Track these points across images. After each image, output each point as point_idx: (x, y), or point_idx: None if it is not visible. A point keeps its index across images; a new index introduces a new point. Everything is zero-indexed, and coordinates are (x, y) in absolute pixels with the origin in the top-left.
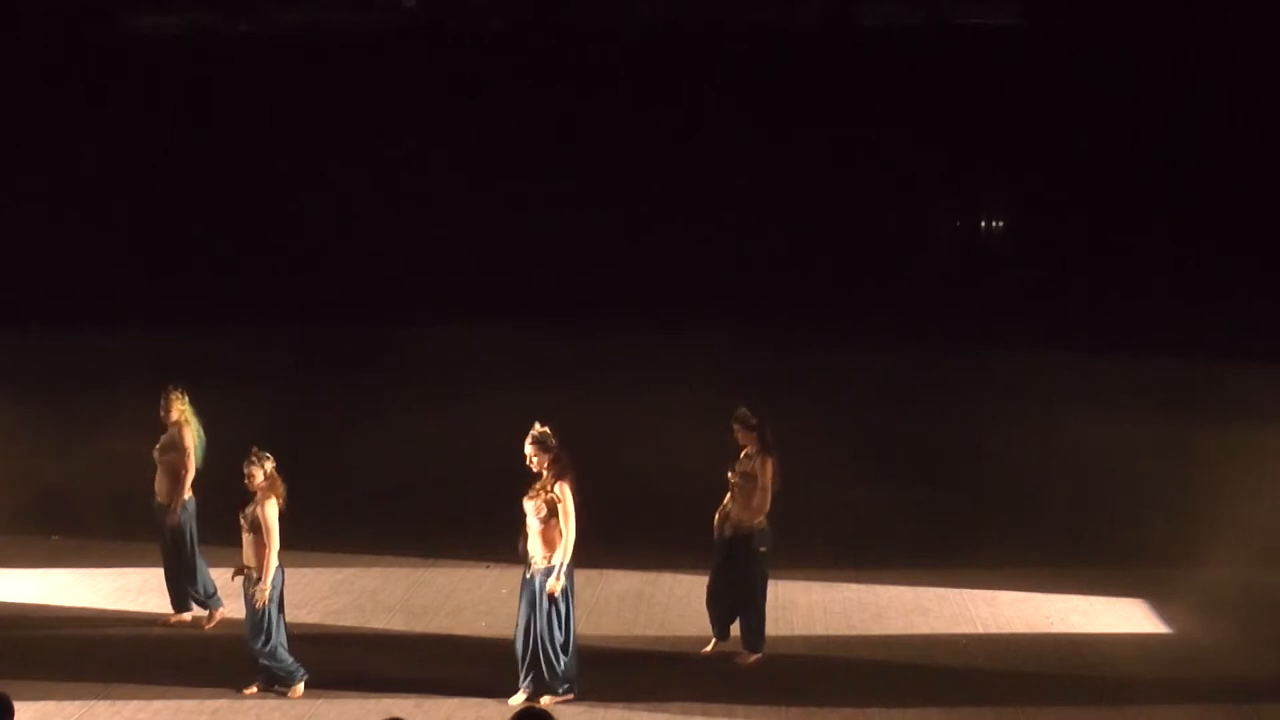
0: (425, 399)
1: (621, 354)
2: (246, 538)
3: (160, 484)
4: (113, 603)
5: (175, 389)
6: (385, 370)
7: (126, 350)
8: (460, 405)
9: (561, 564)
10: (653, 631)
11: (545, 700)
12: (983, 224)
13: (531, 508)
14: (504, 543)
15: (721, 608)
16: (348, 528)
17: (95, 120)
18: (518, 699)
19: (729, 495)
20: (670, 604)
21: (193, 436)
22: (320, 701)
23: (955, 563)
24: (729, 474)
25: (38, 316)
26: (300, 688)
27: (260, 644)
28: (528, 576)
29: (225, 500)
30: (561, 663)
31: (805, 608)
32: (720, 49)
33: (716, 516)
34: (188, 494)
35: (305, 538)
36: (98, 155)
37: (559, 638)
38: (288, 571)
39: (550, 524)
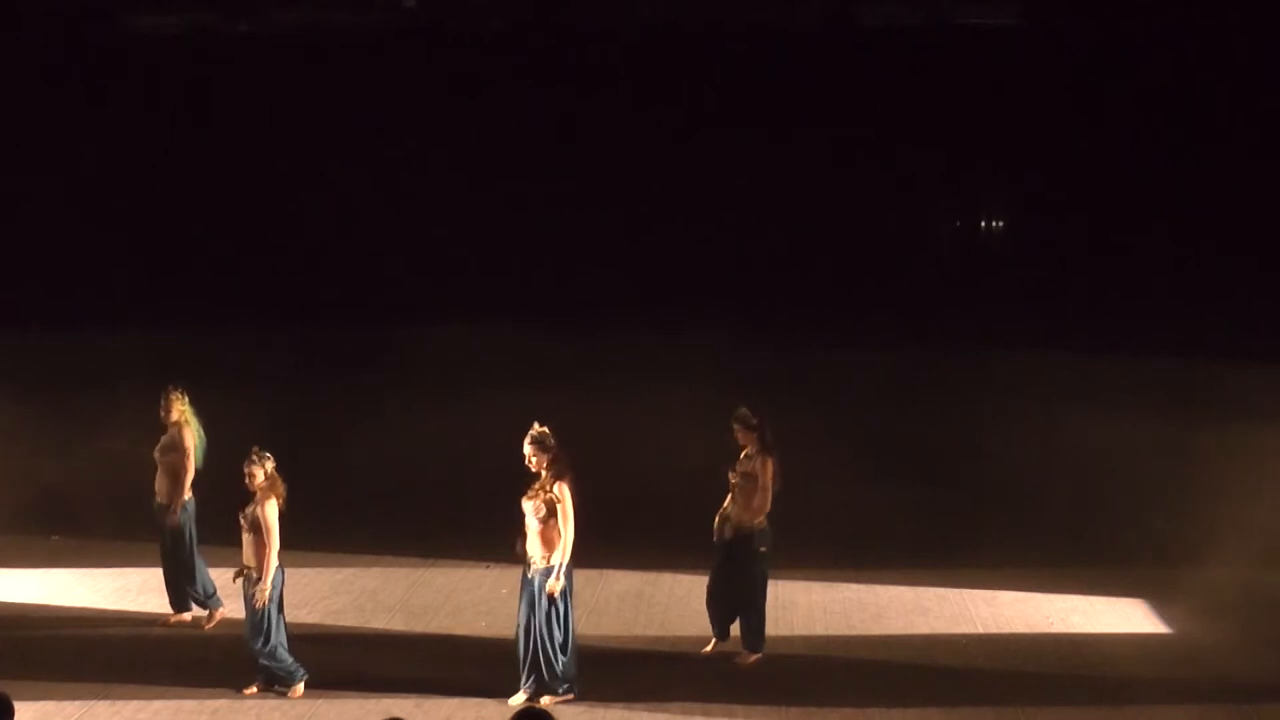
0: (425, 399)
1: (621, 354)
2: (246, 538)
3: (160, 484)
4: (113, 603)
5: (175, 389)
6: (385, 370)
7: (126, 350)
8: (460, 405)
9: (561, 564)
10: (653, 631)
11: (545, 700)
12: (983, 224)
13: (530, 508)
14: (504, 543)
15: (721, 608)
16: (348, 528)
17: (95, 120)
18: (518, 699)
19: (729, 496)
20: (670, 604)
21: (193, 437)
22: (320, 701)
23: (955, 563)
24: (729, 474)
25: (38, 316)
26: (300, 688)
27: (260, 644)
28: (528, 577)
29: (225, 500)
30: (561, 663)
31: (805, 608)
32: (720, 49)
33: (717, 518)
34: (187, 494)
35: (305, 538)
36: (98, 155)
37: (558, 638)
38: (288, 571)
39: (549, 524)
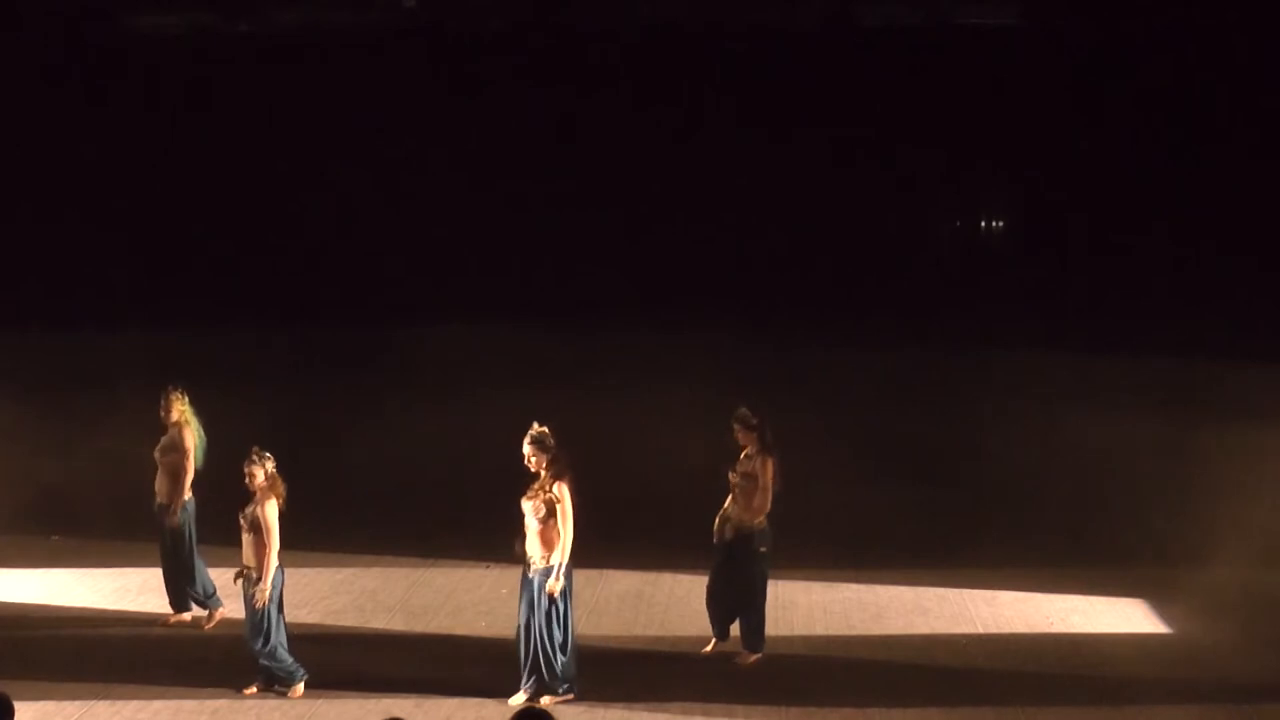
0: (425, 399)
1: (621, 354)
2: (246, 538)
3: (161, 485)
4: (113, 603)
5: (175, 389)
6: (385, 370)
7: (126, 350)
8: (460, 405)
9: (560, 564)
10: (653, 631)
11: (545, 700)
12: (983, 224)
13: (530, 508)
14: (504, 543)
15: (721, 608)
16: (348, 528)
17: (95, 120)
18: (518, 699)
19: (730, 497)
20: (670, 604)
21: (193, 437)
22: (320, 701)
23: (955, 563)
24: (729, 475)
25: (38, 316)
26: (300, 688)
27: (260, 644)
28: (527, 577)
29: (225, 500)
30: (560, 663)
31: (805, 608)
32: (720, 49)
33: (717, 520)
34: (187, 494)
35: (305, 538)
36: (98, 155)
37: (558, 637)
38: (288, 571)
39: (549, 524)
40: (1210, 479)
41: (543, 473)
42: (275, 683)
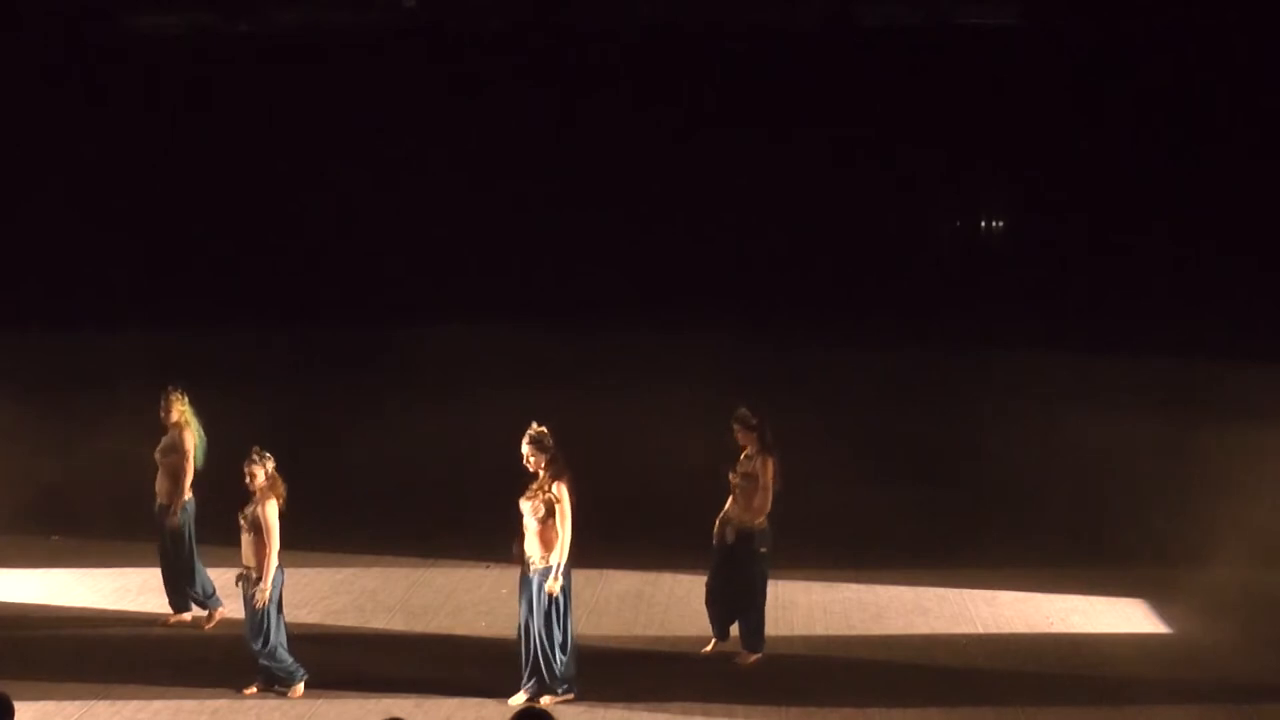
0: (425, 399)
1: (621, 354)
2: (246, 538)
3: (161, 485)
4: (113, 603)
5: (175, 390)
6: (385, 370)
7: (126, 350)
8: (460, 405)
9: (559, 564)
10: (653, 631)
11: (545, 700)
12: (983, 224)
13: (529, 508)
14: (504, 543)
15: (721, 608)
16: (348, 528)
17: (95, 120)
18: (518, 699)
19: (730, 499)
20: (670, 604)
21: (193, 438)
22: (320, 701)
23: (955, 563)
24: (730, 475)
25: (38, 316)
26: (300, 688)
27: (260, 644)
28: (527, 577)
29: (225, 500)
30: (560, 663)
31: (805, 608)
32: (720, 49)
33: (717, 522)
34: (187, 495)
35: (305, 538)
36: (98, 155)
37: (558, 637)
38: (288, 571)
39: (548, 524)
40: (1210, 479)
41: (541, 473)
42: (275, 683)
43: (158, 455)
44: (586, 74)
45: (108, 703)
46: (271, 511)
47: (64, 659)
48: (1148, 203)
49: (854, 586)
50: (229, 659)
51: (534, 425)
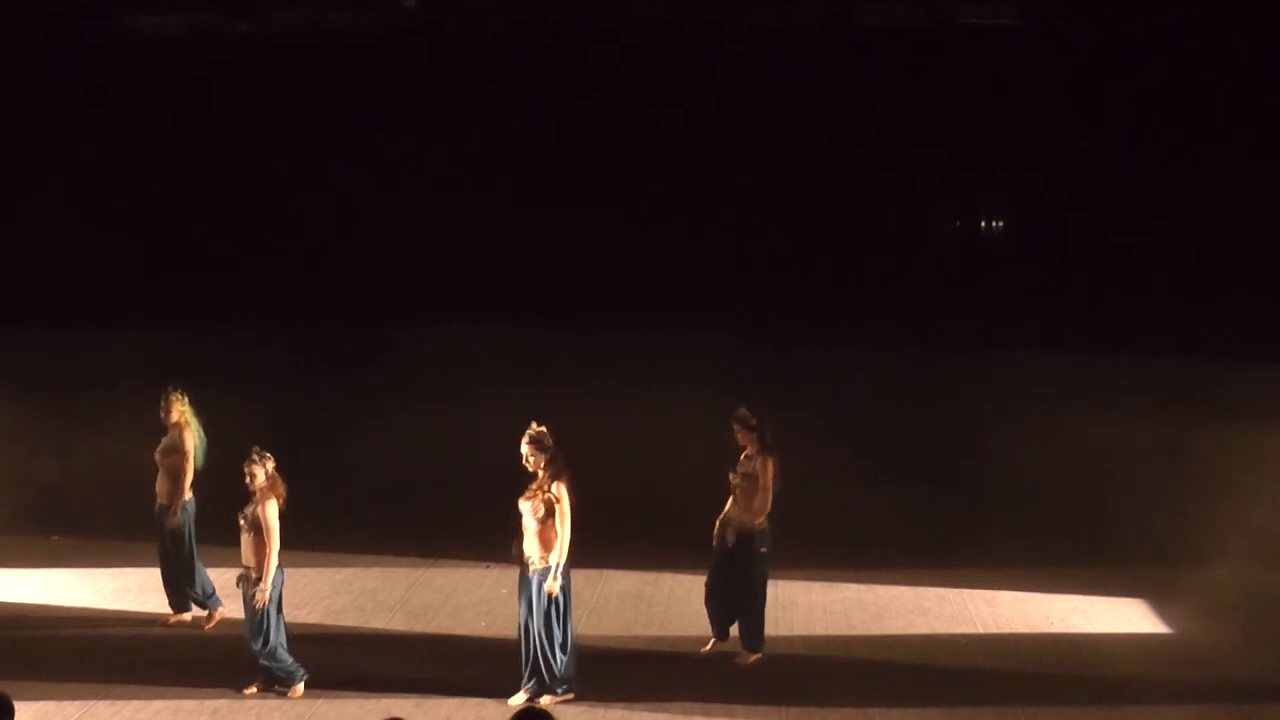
0: (425, 399)
1: (621, 354)
2: (245, 538)
3: (162, 486)
4: (113, 603)
5: (175, 390)
6: (385, 370)
7: (126, 350)
8: (460, 405)
9: (558, 564)
10: (653, 631)
11: (545, 700)
12: (983, 224)
13: (528, 508)
14: (504, 543)
15: (720, 608)
16: (348, 528)
17: (95, 120)
18: (518, 699)
19: (730, 500)
20: (670, 604)
21: (193, 438)
22: (320, 701)
23: (955, 563)
24: (730, 476)
25: (38, 316)
26: (300, 688)
27: (260, 644)
28: (526, 577)
29: (225, 500)
30: (560, 663)
31: (805, 608)
32: (720, 49)
33: (718, 523)
34: (187, 495)
35: (305, 538)
36: (98, 155)
37: (558, 637)
38: (287, 571)
39: (547, 524)
40: (1210, 479)
41: (541, 473)
42: (275, 683)
43: (158, 456)
44: (586, 74)
45: (108, 703)
46: (272, 511)
47: (64, 659)
48: (1148, 203)
49: (854, 586)
50: (229, 659)
51: (533, 425)
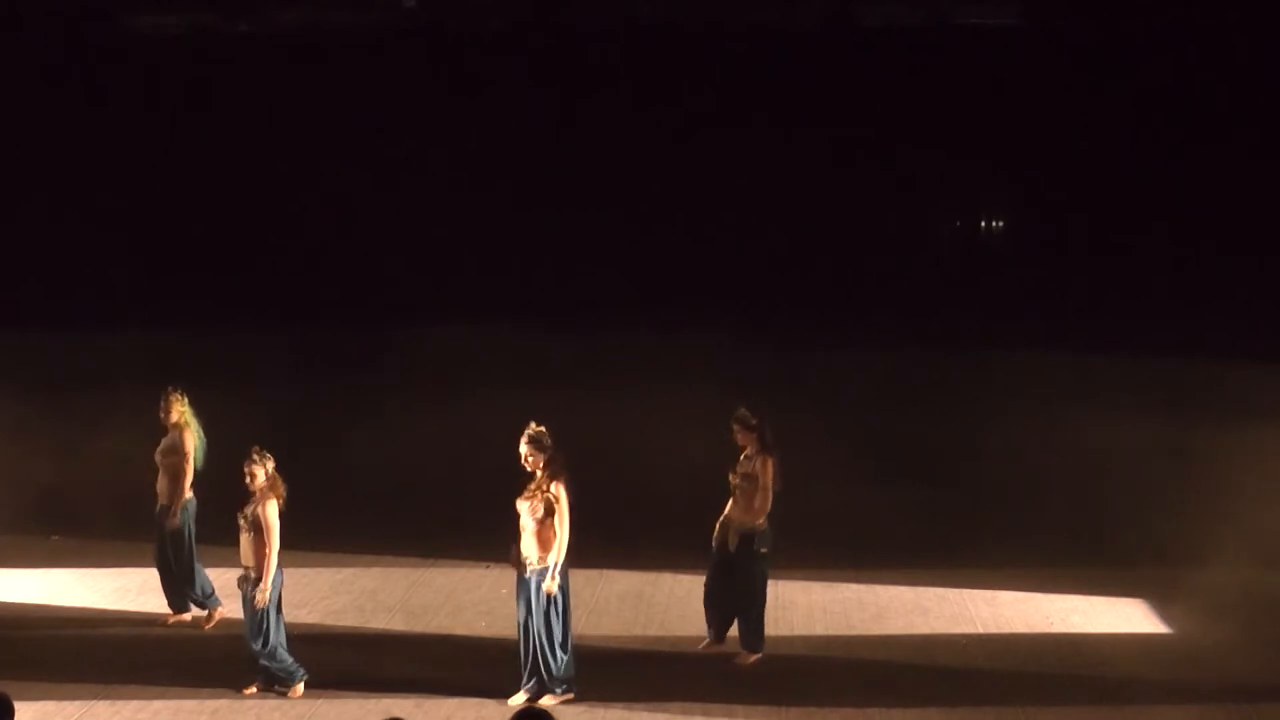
0: (425, 399)
1: (621, 354)
2: (245, 537)
3: (162, 487)
4: (113, 603)
5: (175, 391)
6: (385, 370)
7: (126, 350)
8: (460, 405)
9: (556, 564)
10: (653, 631)
11: (545, 700)
12: (983, 224)
13: (526, 508)
14: (504, 543)
15: (719, 608)
16: (348, 528)
17: (95, 120)
18: (518, 699)
19: (731, 501)
20: (670, 604)
21: (193, 439)
22: (320, 701)
23: (955, 563)
24: (730, 476)
25: (38, 316)
26: (300, 688)
27: (259, 644)
28: (524, 578)
29: (225, 500)
30: (559, 663)
31: (805, 608)
32: (720, 49)
33: (718, 526)
34: (188, 495)
35: (305, 538)
36: (98, 155)
37: (557, 637)
38: (287, 571)
39: (546, 524)
40: (1210, 479)
41: (539, 473)
42: (275, 683)
43: (158, 457)
44: (586, 74)
45: (108, 703)
46: (272, 511)
47: (64, 659)
48: (1148, 203)
49: (854, 586)
50: (229, 659)
51: (532, 425)
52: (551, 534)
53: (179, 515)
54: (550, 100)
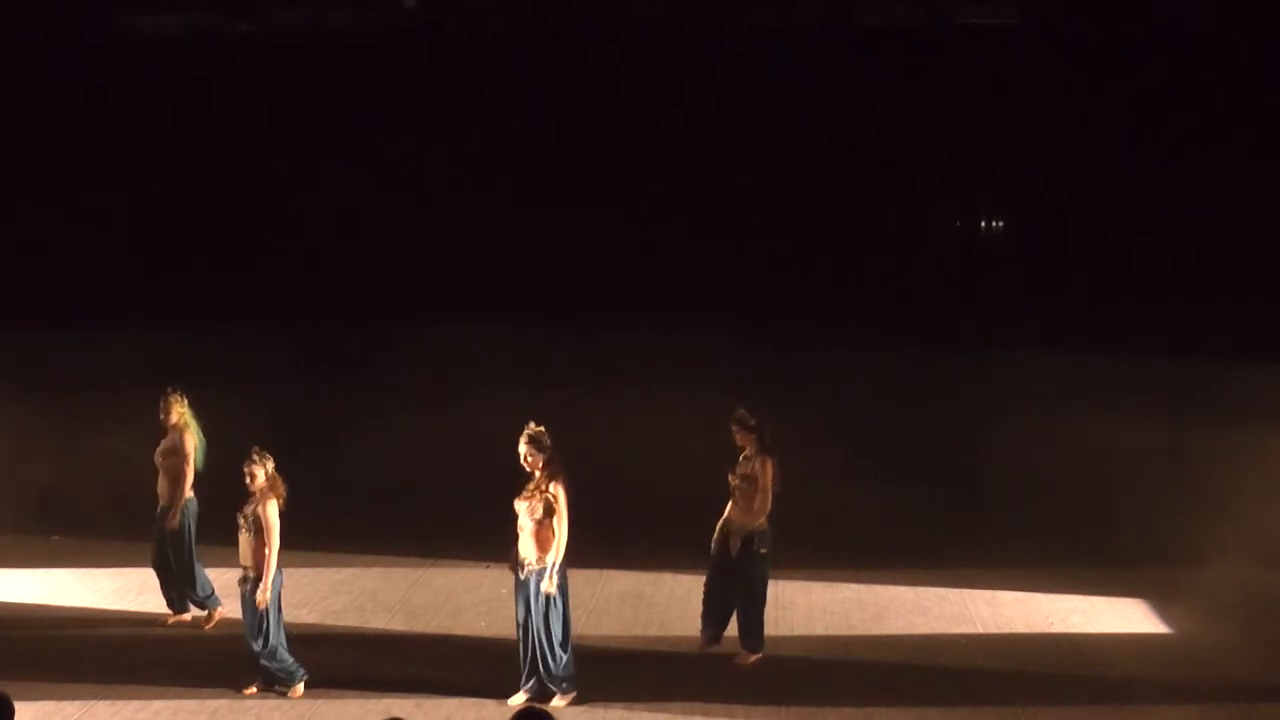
0: (425, 399)
1: (622, 354)
2: (245, 538)
3: (162, 487)
4: (113, 603)
5: (174, 391)
6: (385, 370)
7: (126, 350)
8: (460, 405)
9: (554, 564)
10: (653, 631)
11: (555, 701)
12: (983, 224)
13: (525, 508)
14: (503, 543)
15: (718, 609)
16: (348, 528)
17: (95, 120)
18: (518, 699)
19: (730, 502)
20: (670, 604)
21: (193, 440)
22: (320, 701)
23: (955, 563)
24: (730, 477)
25: (38, 316)
26: (300, 688)
27: (259, 644)
28: (522, 578)
29: (225, 500)
30: (559, 663)
31: (805, 608)
32: (720, 49)
33: (718, 527)
34: (188, 494)
35: (305, 538)
36: (98, 155)
37: (557, 637)
38: (287, 571)
39: (544, 524)
40: (1210, 479)
41: (538, 473)
42: (275, 683)
43: (158, 458)
44: (586, 74)
45: (108, 703)
46: (272, 511)
47: (64, 659)
48: (1148, 203)
49: (854, 586)
50: (229, 659)
51: (531, 425)
52: (550, 534)
53: (179, 515)
54: (550, 100)
